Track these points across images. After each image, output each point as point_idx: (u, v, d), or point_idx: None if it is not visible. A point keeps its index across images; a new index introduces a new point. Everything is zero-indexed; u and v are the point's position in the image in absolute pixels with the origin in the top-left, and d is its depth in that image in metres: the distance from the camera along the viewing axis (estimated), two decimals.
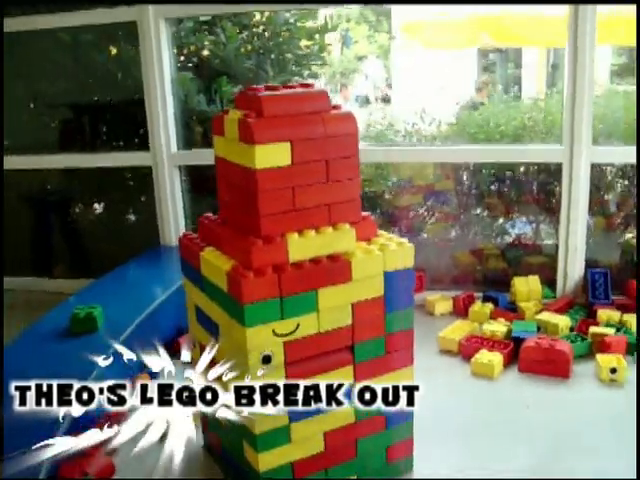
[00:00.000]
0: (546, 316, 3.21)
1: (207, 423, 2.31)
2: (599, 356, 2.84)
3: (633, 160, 3.30)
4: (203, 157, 3.82)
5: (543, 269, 3.76)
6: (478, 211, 4.26)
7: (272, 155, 1.83)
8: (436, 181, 4.34)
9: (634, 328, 3.07)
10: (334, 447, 2.04)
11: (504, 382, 2.84)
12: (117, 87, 4.08)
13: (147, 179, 3.86)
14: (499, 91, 7.09)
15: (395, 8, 8.13)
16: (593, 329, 3.06)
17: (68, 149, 4.16)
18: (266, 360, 1.85)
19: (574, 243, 3.43)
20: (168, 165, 3.74)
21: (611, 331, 3.03)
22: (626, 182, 4.16)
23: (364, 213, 2.05)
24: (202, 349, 2.10)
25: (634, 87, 4.62)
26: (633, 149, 3.27)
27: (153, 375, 2.91)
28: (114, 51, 3.93)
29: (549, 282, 3.59)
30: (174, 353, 3.07)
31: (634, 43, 4.74)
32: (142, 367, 2.89)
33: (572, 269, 3.48)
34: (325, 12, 4.68)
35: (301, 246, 1.88)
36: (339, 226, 1.95)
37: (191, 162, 3.82)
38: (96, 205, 4.41)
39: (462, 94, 5.74)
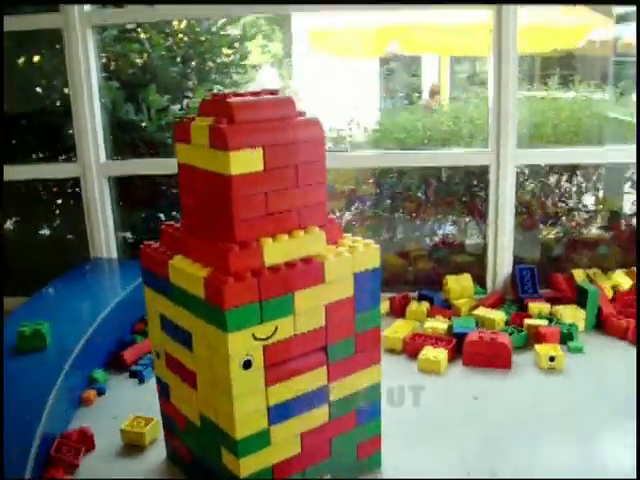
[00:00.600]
0: (482, 311, 3.36)
1: (172, 432, 2.28)
2: (537, 346, 3.02)
3: (555, 161, 3.54)
4: (134, 167, 3.77)
5: (469, 267, 3.94)
6: (404, 214, 4.42)
7: (246, 161, 1.84)
8: (358, 185, 4.47)
9: (565, 318, 3.28)
10: (310, 447, 2.07)
11: (451, 376, 2.96)
12: (37, 96, 3.93)
13: (64, 191, 3.74)
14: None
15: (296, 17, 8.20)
16: (528, 321, 3.24)
17: None
18: (247, 365, 1.85)
19: (502, 241, 3.62)
20: (97, 176, 3.63)
21: (544, 322, 3.22)
22: (537, 183, 4.44)
23: (330, 216, 2.10)
24: (168, 359, 2.08)
25: (533, 93, 4.95)
26: (554, 151, 3.50)
27: (100, 391, 2.86)
28: (35, 59, 3.78)
29: (478, 279, 3.76)
30: (118, 367, 3.03)
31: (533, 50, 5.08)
32: (89, 383, 2.85)
33: (501, 266, 3.67)
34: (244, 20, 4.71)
35: (276, 250, 1.91)
36: (309, 229, 1.99)
37: (121, 173, 3.74)
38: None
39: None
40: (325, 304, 1.98)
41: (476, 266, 3.96)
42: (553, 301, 3.47)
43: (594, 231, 4.48)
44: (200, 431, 2.08)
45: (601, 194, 4.59)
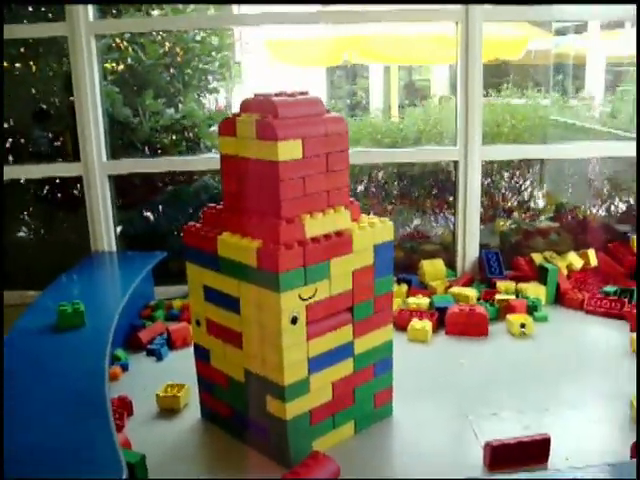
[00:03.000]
0: (456, 290, 3.80)
1: (210, 393, 2.59)
2: (509, 315, 3.47)
3: (515, 157, 4.02)
4: (133, 166, 4.04)
5: (437, 254, 4.37)
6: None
7: (290, 150, 2.20)
8: None
9: (528, 294, 3.74)
10: (339, 395, 2.42)
11: (436, 344, 3.37)
12: (35, 100, 4.16)
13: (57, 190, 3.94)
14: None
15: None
16: (498, 296, 3.69)
17: None
18: (294, 321, 2.20)
19: (471, 228, 4.07)
20: (99, 174, 3.89)
21: (512, 297, 3.67)
22: (489, 179, 4.92)
23: (350, 199, 2.47)
24: (210, 325, 2.41)
25: (488, 98, 5.46)
26: (515, 147, 3.99)
27: (124, 368, 3.14)
28: (34, 67, 4.02)
29: (447, 264, 4.19)
30: (135, 347, 3.30)
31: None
32: (113, 361, 3.12)
33: (469, 251, 4.12)
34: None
35: (314, 225, 2.26)
36: (337, 208, 2.36)
37: (121, 171, 4.00)
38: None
39: None
40: (352, 270, 2.35)
41: (443, 252, 4.39)
42: (517, 280, 3.93)
43: (544, 222, 5.00)
44: (244, 386, 2.40)
45: (545, 189, 5.12)
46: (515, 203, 5.04)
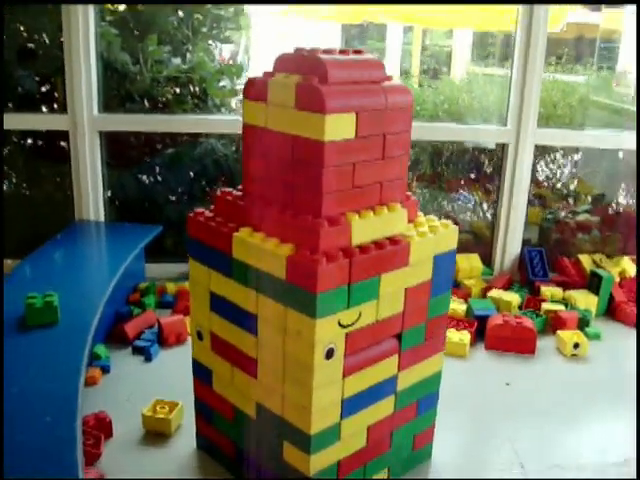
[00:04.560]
0: (496, 293, 3.28)
1: (209, 422, 2.08)
2: (560, 332, 2.95)
3: (572, 143, 3.47)
4: (128, 123, 3.46)
5: (469, 246, 3.83)
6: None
7: (340, 126, 1.64)
8: None
9: (578, 304, 3.23)
10: (374, 440, 1.92)
11: (476, 360, 2.86)
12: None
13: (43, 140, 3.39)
14: None
15: None
16: (546, 306, 3.17)
17: None
18: (329, 354, 1.67)
19: (514, 222, 3.53)
20: (89, 130, 3.30)
21: (562, 307, 3.15)
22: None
23: (407, 193, 1.92)
24: (216, 341, 1.88)
25: (494, 69, 4.86)
26: (572, 132, 3.43)
27: (105, 369, 2.61)
28: None
29: (482, 259, 3.66)
30: (119, 341, 2.77)
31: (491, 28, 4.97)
32: (91, 360, 2.59)
33: (511, 247, 3.59)
34: None
35: (363, 228, 1.72)
36: (392, 206, 1.81)
37: (114, 128, 3.41)
38: None
39: None
40: (405, 288, 1.82)
41: (474, 245, 3.86)
42: (562, 286, 3.42)
43: (582, 215, 4.46)
44: (255, 424, 1.88)
45: (579, 177, 4.56)
46: (549, 191, 4.49)
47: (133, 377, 2.60)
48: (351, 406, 1.79)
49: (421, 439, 2.10)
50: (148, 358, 2.72)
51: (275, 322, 1.71)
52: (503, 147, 3.50)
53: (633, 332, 3.17)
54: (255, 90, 1.77)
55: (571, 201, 4.51)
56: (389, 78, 1.79)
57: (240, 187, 1.93)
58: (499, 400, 2.55)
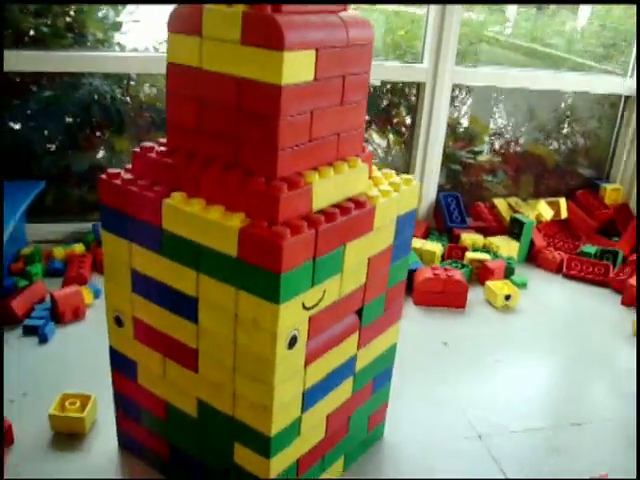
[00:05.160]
0: (418, 243, 3.11)
1: (133, 419, 1.76)
2: (490, 283, 2.84)
3: (495, 83, 3.32)
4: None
5: None
6: None
7: (299, 66, 1.33)
8: None
9: (501, 251, 3.13)
10: (333, 429, 1.69)
11: (406, 318, 2.66)
12: None
13: None
14: None
15: None
16: (470, 255, 3.04)
17: None
18: (292, 343, 1.40)
19: (431, 166, 3.37)
20: None
21: (486, 256, 3.04)
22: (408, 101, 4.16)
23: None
24: (141, 328, 1.56)
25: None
26: (497, 71, 3.28)
27: None
28: None
29: None
30: (3, 321, 2.36)
31: None
32: None
33: (427, 193, 3.43)
34: None
35: (324, 190, 1.44)
36: (352, 161, 1.54)
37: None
38: None
39: None
40: (369, 257, 1.57)
41: None
42: (481, 232, 3.32)
43: (483, 156, 4.37)
44: (197, 423, 1.59)
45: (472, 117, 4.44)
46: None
47: (28, 365, 2.21)
48: (312, 397, 1.55)
49: (375, 418, 1.90)
50: (43, 340, 2.33)
51: (222, 307, 1.41)
52: (418, 86, 3.28)
53: (555, 278, 3.14)
54: (184, 21, 1.41)
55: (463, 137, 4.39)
56: (345, 8, 1.49)
57: (163, 141, 1.58)
58: (440, 361, 2.40)
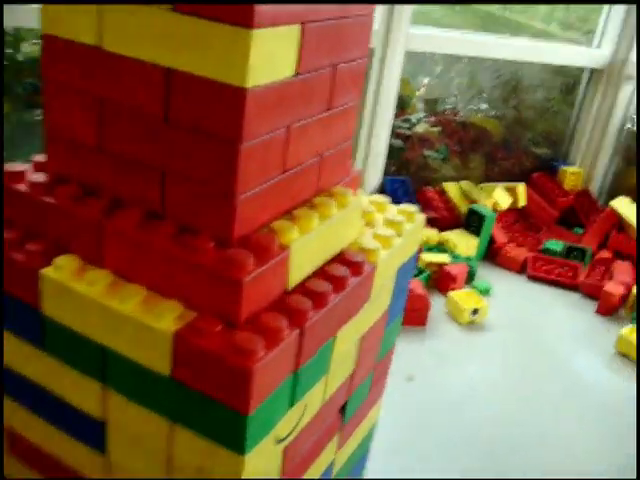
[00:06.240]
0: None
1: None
2: (454, 294, 2.40)
3: (452, 50, 2.83)
4: None
5: None
6: None
7: (275, 54, 0.78)
8: None
9: (459, 250, 2.70)
10: None
11: None
12: None
13: None
14: None
15: None
16: (426, 257, 2.58)
17: None
18: None
19: (377, 147, 2.86)
20: None
21: (445, 258, 2.60)
22: None
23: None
24: (17, 444, 1.01)
25: None
26: (455, 36, 2.78)
27: None
28: None
29: None
30: None
31: None
32: None
33: (372, 177, 2.93)
34: None
35: (306, 251, 0.91)
36: (340, 197, 1.01)
37: None
38: None
39: None
40: (361, 336, 1.06)
41: None
42: (431, 223, 2.85)
43: (419, 126, 3.92)
44: None
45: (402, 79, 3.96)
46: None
47: None
48: None
49: None
50: None
51: (146, 442, 0.87)
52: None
53: (519, 280, 2.75)
54: None
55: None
56: None
57: (42, 160, 0.99)
58: (407, 405, 1.94)
